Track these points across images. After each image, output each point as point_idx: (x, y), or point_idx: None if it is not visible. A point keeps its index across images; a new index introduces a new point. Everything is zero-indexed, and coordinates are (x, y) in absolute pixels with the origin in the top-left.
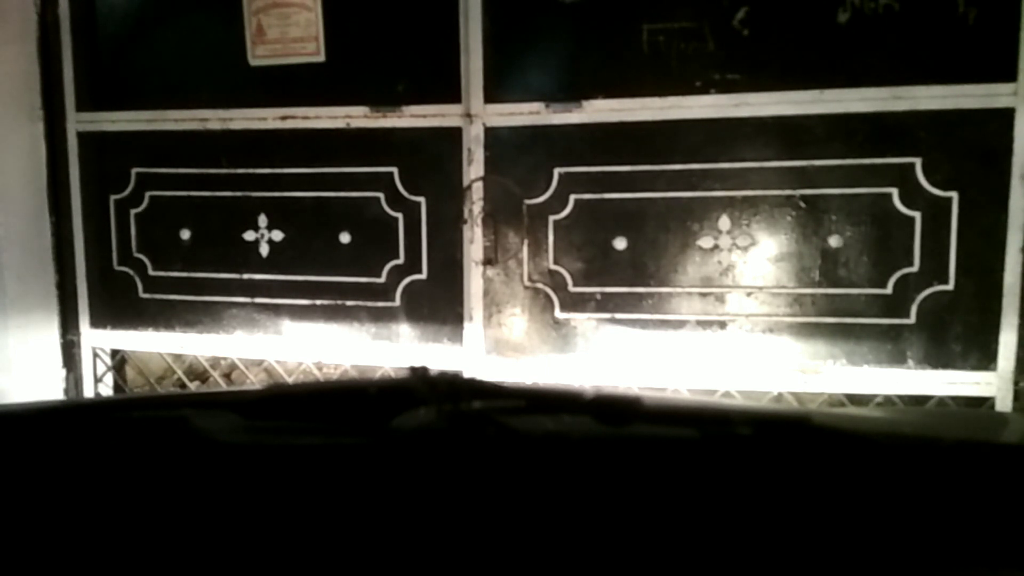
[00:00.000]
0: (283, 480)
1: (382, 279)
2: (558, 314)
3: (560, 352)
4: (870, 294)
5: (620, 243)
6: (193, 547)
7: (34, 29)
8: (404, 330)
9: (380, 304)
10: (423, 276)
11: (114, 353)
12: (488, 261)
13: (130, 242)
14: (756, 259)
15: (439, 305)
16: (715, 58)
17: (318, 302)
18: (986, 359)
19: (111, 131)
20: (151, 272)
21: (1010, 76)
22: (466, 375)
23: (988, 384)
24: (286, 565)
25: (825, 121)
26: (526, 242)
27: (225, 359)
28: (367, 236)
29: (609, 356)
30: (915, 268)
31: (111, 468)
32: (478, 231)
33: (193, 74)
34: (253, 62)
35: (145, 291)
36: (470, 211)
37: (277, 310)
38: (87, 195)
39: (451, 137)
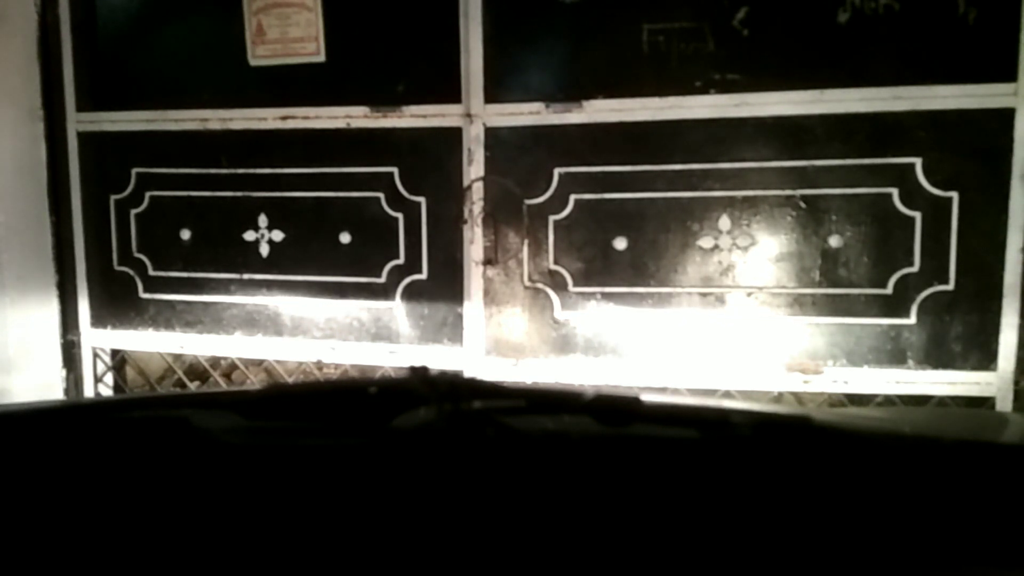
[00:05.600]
0: (283, 480)
1: (382, 279)
2: (558, 314)
3: (560, 352)
4: (870, 294)
5: (620, 243)
6: (193, 547)
7: (34, 29)
8: (404, 330)
9: (380, 304)
10: (423, 276)
11: (114, 353)
12: (488, 261)
13: (130, 242)
14: (756, 259)
15: (439, 305)
16: (715, 58)
17: (318, 302)
18: (986, 359)
19: (111, 131)
20: (151, 272)
21: (1010, 76)
22: (466, 375)
23: (988, 384)
24: (286, 565)
25: (825, 121)
26: (526, 242)
27: (225, 359)
28: (367, 236)
29: (609, 356)
30: (915, 268)
31: (111, 468)
32: (478, 231)
33: (193, 74)
34: (253, 62)
35: (145, 291)
36: (470, 211)
37: (277, 310)
38: (87, 195)
39: (451, 137)
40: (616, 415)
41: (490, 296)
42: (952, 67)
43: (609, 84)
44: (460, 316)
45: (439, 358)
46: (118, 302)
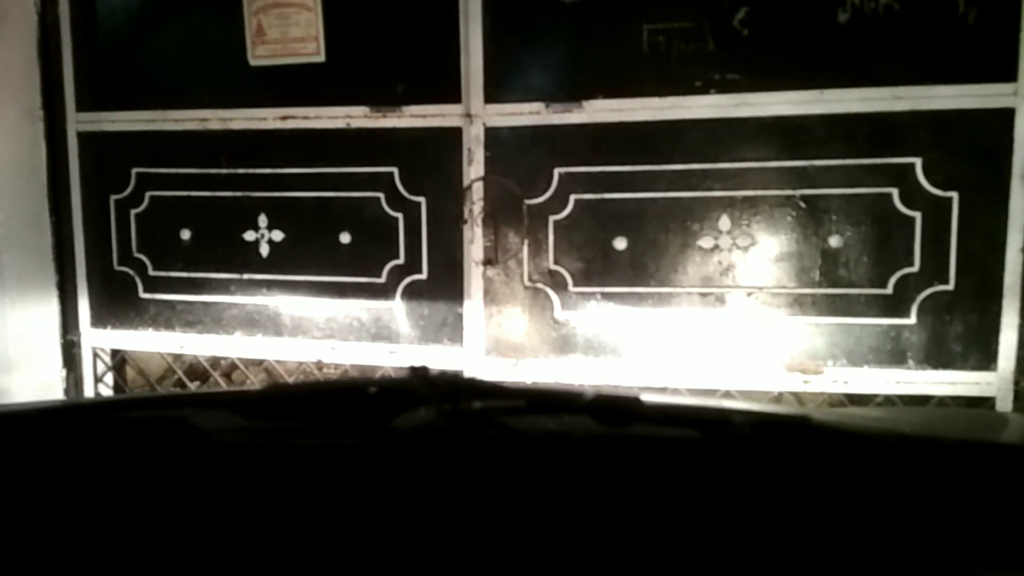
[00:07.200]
0: (283, 480)
1: (382, 279)
2: (558, 314)
3: (560, 352)
4: (870, 294)
5: (620, 243)
6: (193, 546)
7: (34, 29)
8: (404, 330)
9: (380, 304)
10: (423, 276)
11: (114, 353)
12: (488, 261)
13: (130, 242)
14: (756, 259)
15: (439, 305)
16: (715, 58)
17: (318, 302)
18: (986, 359)
19: (111, 131)
20: (151, 272)
21: (1010, 76)
22: (466, 375)
23: (988, 384)
24: (286, 565)
25: (825, 121)
26: (526, 242)
27: (225, 359)
28: (367, 236)
29: (609, 356)
30: (915, 268)
31: (111, 468)
32: (478, 231)
33: (193, 74)
34: (253, 62)
35: (145, 291)
36: (470, 211)
37: (277, 310)
38: (87, 195)
39: (451, 137)
40: (616, 415)
41: (490, 296)
42: (952, 67)
43: (609, 84)
44: (460, 316)
45: (439, 358)
46: (118, 302)
